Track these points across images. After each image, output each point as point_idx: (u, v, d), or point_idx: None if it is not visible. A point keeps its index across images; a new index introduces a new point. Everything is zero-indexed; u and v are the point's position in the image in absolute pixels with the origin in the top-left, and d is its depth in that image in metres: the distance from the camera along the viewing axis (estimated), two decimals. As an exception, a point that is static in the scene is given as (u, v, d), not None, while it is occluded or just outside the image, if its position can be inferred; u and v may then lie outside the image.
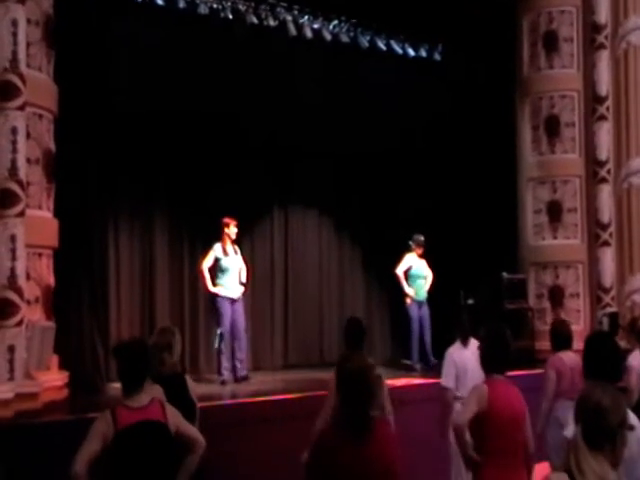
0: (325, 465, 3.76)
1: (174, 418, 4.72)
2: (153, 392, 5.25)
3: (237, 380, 10.59)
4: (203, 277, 10.79)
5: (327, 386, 6.34)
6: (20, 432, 6.95)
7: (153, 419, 4.61)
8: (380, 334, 14.00)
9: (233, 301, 10.68)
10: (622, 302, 12.90)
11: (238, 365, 10.70)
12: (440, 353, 10.79)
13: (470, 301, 12.07)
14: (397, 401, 6.94)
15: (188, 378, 6.03)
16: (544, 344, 11.86)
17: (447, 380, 7.43)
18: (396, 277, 12.01)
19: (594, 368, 4.22)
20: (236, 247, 10.94)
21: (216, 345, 10.72)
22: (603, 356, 4.36)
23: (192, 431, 4.84)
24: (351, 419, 3.82)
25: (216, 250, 10.71)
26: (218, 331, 10.67)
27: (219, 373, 10.65)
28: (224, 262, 10.70)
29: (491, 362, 5.26)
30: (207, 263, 10.73)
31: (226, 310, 10.60)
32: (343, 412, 3.88)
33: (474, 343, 6.43)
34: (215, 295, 10.72)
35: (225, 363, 10.62)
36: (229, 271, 10.70)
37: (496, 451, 4.99)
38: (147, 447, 4.55)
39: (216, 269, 10.74)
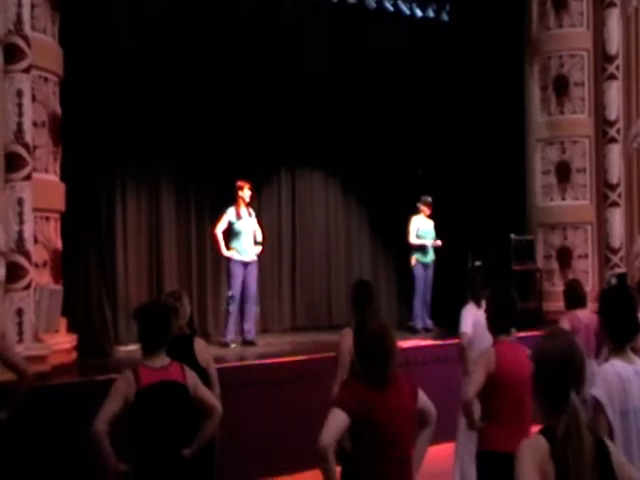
0: (361, 408, 3.85)
1: (193, 381, 4.81)
2: None
3: (244, 343, 10.63)
4: (217, 241, 10.79)
5: (337, 348, 6.36)
6: (29, 395, 6.98)
7: (174, 379, 4.70)
8: (387, 296, 14.00)
9: (246, 264, 10.68)
10: (631, 263, 12.86)
11: (246, 328, 10.72)
12: (447, 314, 10.89)
13: (478, 263, 12.06)
14: (405, 362, 6.96)
15: (198, 340, 6.04)
16: (552, 305, 11.92)
17: (464, 326, 7.33)
18: (411, 246, 12.03)
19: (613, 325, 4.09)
20: (250, 210, 10.91)
21: (226, 307, 10.75)
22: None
23: (209, 397, 4.93)
24: (372, 377, 3.94)
25: (229, 214, 10.69)
26: (229, 293, 10.70)
27: (225, 335, 10.69)
28: (237, 225, 10.68)
29: (497, 323, 5.26)
30: (221, 227, 10.71)
31: (237, 273, 10.61)
32: (364, 371, 3.99)
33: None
34: (228, 259, 10.74)
35: (231, 326, 10.64)
36: (242, 234, 10.68)
37: (503, 413, 5.00)
38: (168, 405, 4.66)
39: (230, 232, 10.72)
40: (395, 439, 3.92)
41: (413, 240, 11.99)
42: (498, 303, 5.33)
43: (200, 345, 5.98)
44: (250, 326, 10.76)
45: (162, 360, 4.76)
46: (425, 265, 12.09)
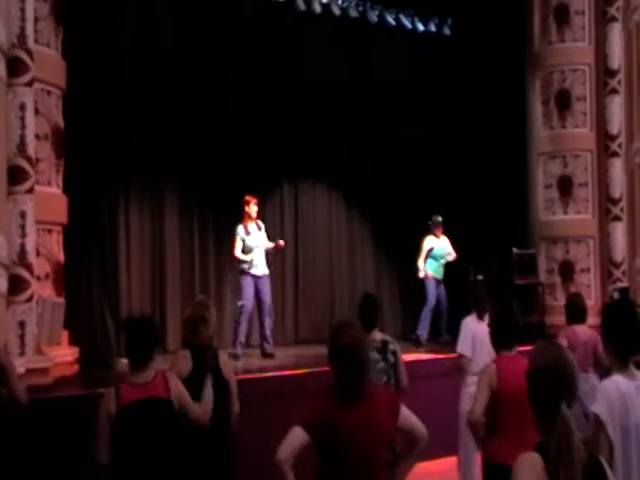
0: (321, 425, 3.77)
1: (177, 393, 4.75)
2: (179, 356, 5.60)
3: (264, 356, 10.61)
4: (241, 261, 10.64)
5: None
6: (31, 407, 6.97)
7: (155, 396, 4.64)
8: (390, 309, 13.98)
9: (258, 277, 10.66)
10: (633, 277, 12.86)
11: (266, 341, 10.68)
12: (451, 328, 10.85)
13: (480, 277, 12.03)
14: (407, 376, 6.94)
15: (222, 353, 6.05)
16: (554, 319, 11.90)
17: (463, 347, 7.31)
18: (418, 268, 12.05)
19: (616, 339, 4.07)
20: (259, 223, 10.87)
21: (236, 317, 10.72)
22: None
23: (192, 408, 4.86)
24: (342, 388, 3.85)
25: (239, 232, 10.65)
26: (239, 303, 10.65)
27: (233, 346, 10.63)
28: (248, 241, 10.61)
29: (500, 339, 5.26)
30: (238, 249, 10.62)
31: (248, 285, 10.56)
32: (336, 383, 3.90)
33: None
34: (239, 272, 10.70)
35: (241, 338, 10.60)
36: (253, 249, 10.63)
37: (507, 427, 4.99)
38: (148, 426, 4.58)
39: (242, 249, 10.68)
40: (365, 456, 3.78)
41: (421, 261, 12.00)
42: (500, 319, 5.32)
43: (224, 358, 6.00)
44: (269, 338, 10.74)
45: (147, 375, 4.68)
46: (437, 281, 12.08)
